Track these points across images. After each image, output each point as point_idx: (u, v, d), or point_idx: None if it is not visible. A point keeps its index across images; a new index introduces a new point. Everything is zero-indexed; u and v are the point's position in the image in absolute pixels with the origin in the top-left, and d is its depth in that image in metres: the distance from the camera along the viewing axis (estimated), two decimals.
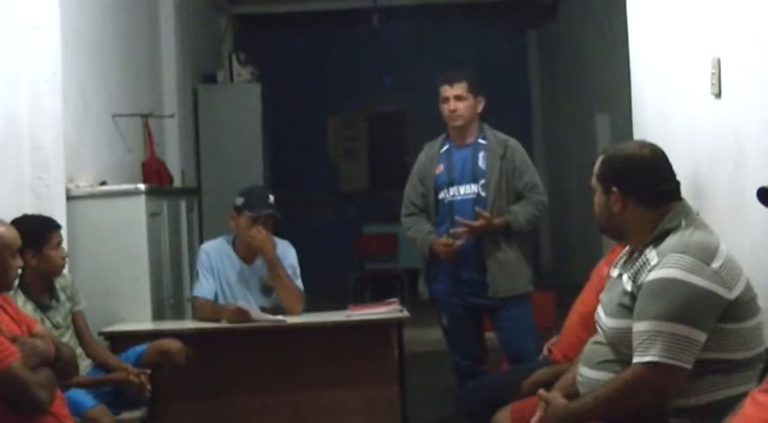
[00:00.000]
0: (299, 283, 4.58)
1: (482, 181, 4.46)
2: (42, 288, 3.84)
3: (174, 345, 4.02)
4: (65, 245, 4.02)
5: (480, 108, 4.57)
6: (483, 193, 4.45)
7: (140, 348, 4.05)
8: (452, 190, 4.51)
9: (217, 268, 4.55)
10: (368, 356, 4.47)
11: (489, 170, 4.47)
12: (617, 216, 2.71)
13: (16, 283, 3.38)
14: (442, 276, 4.55)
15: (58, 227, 3.90)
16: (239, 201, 4.54)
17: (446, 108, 4.52)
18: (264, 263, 4.53)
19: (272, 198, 4.58)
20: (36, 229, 3.74)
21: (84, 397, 3.64)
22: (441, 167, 4.56)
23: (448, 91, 4.52)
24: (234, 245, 4.60)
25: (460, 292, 4.51)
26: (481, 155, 4.52)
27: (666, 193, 2.69)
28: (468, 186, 4.48)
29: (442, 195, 4.53)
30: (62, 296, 3.93)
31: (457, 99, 4.51)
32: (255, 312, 4.37)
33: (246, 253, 4.57)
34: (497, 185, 4.44)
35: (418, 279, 4.78)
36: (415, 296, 5.03)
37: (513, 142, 4.57)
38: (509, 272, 4.45)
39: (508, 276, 4.45)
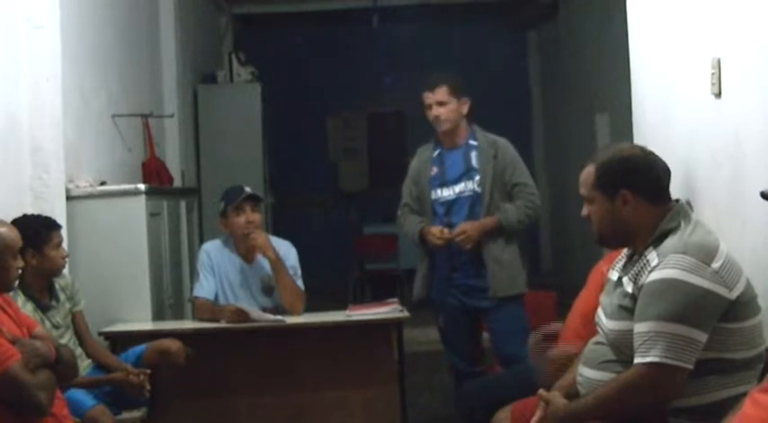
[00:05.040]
0: (300, 283, 4.60)
1: (477, 177, 4.47)
2: (42, 288, 3.84)
3: (173, 345, 4.02)
4: (65, 245, 4.01)
5: (465, 109, 4.55)
6: (479, 190, 4.46)
7: (140, 348, 4.06)
8: (447, 190, 4.52)
9: (218, 268, 4.56)
10: (368, 356, 4.47)
11: (483, 170, 4.47)
12: (624, 219, 2.67)
13: (16, 283, 3.38)
14: (439, 278, 4.55)
15: (58, 227, 3.91)
16: (221, 205, 4.63)
17: (430, 114, 4.52)
18: (266, 262, 4.54)
19: (247, 189, 4.60)
20: (36, 229, 3.74)
21: (84, 397, 3.64)
22: (434, 170, 4.56)
23: (430, 97, 4.51)
24: (233, 246, 4.61)
25: (457, 293, 4.51)
26: (473, 154, 4.53)
27: (668, 188, 2.69)
28: (463, 184, 4.49)
29: (436, 196, 4.54)
30: (62, 296, 3.93)
31: (439, 105, 4.49)
32: (255, 312, 4.38)
33: (246, 252, 4.58)
34: (491, 184, 4.46)
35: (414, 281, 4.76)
36: (408, 298, 5.01)
37: (502, 142, 4.57)
38: (509, 272, 4.46)
39: (508, 276, 4.46)
